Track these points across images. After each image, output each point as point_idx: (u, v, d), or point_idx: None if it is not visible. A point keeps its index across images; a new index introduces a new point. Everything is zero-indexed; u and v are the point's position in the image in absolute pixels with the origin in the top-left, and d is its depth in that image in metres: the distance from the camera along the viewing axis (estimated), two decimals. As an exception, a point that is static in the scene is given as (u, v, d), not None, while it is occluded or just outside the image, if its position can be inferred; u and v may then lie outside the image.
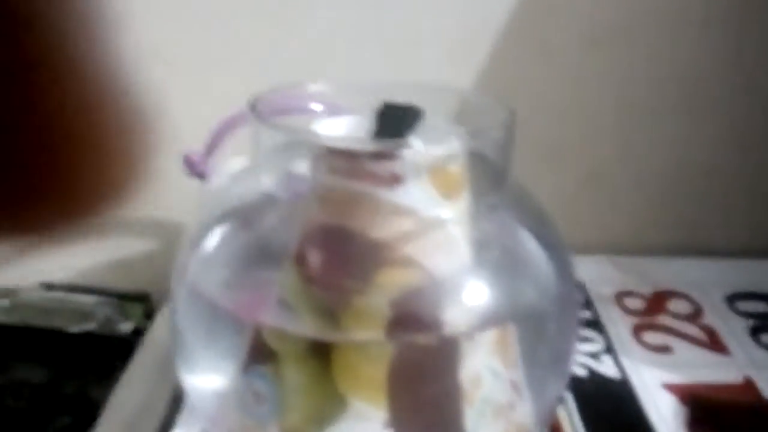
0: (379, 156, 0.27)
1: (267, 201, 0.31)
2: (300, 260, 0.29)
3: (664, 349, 0.46)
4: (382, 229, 0.28)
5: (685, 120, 0.53)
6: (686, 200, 0.56)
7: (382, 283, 0.27)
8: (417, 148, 0.27)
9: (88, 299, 0.53)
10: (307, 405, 0.29)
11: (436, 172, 0.28)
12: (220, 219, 0.32)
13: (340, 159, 0.28)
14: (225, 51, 0.51)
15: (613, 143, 0.54)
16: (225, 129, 0.37)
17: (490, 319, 0.29)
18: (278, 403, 0.29)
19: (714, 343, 0.46)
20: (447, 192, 0.29)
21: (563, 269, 0.30)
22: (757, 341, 0.47)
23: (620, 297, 0.51)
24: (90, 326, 0.50)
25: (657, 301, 0.51)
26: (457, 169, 0.29)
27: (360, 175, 0.28)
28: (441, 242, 0.29)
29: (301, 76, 0.34)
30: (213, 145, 0.37)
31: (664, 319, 0.48)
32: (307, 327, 0.28)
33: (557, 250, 0.30)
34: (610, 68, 0.52)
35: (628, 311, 0.49)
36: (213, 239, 0.31)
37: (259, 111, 0.29)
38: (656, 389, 0.42)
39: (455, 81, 0.51)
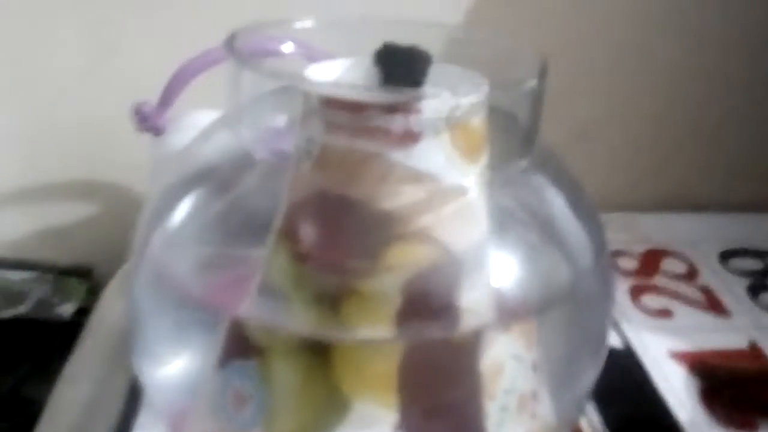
0: (393, 108, 0.22)
1: (247, 162, 0.25)
2: (290, 235, 0.24)
3: (664, 314, 0.44)
4: (393, 198, 0.23)
5: (676, 73, 0.52)
6: (677, 155, 0.55)
7: (392, 263, 0.23)
8: (443, 98, 0.22)
9: (17, 276, 0.47)
10: (302, 408, 0.25)
11: (457, 128, 0.24)
12: (189, 184, 0.26)
13: (343, 112, 0.23)
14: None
15: (604, 96, 0.52)
16: (184, 75, 0.31)
17: (522, 307, 0.24)
18: (265, 406, 0.25)
19: (713, 305, 0.45)
20: (468, 153, 0.24)
21: (599, 243, 0.26)
22: (756, 301, 0.45)
23: (613, 257, 0.49)
24: (21, 309, 0.44)
25: (650, 261, 0.49)
26: (480, 124, 0.24)
27: (367, 132, 0.23)
28: (462, 214, 0.25)
29: (259, 14, 0.28)
30: (169, 95, 0.32)
31: (660, 280, 0.47)
32: (299, 321, 0.24)
33: (591, 220, 0.26)
34: (602, 15, 0.49)
35: (622, 272, 0.48)
36: (181, 209, 0.26)
37: (239, 50, 0.23)
38: (663, 359, 0.40)
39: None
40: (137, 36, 0.46)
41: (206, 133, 0.27)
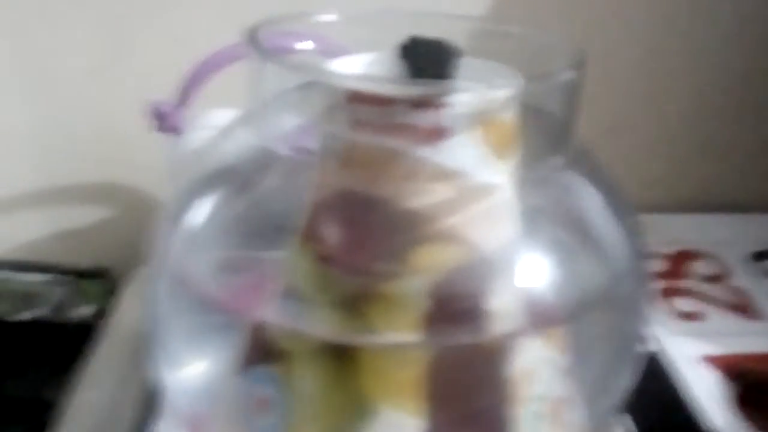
0: (422, 103, 0.21)
1: (268, 161, 0.25)
2: (313, 236, 0.24)
3: (695, 317, 0.43)
4: (421, 197, 0.22)
5: (707, 69, 0.51)
6: (705, 154, 0.54)
7: (420, 264, 0.22)
8: (475, 92, 0.21)
9: (35, 278, 0.46)
10: (326, 414, 0.24)
11: (489, 123, 0.23)
12: (209, 184, 0.26)
13: (369, 107, 0.22)
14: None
15: (634, 93, 0.51)
16: (202, 73, 0.30)
17: (554, 310, 0.23)
18: (288, 412, 0.24)
19: (746, 307, 0.44)
20: (500, 149, 0.23)
21: (636, 245, 0.25)
22: (790, 304, 0.44)
23: (642, 259, 0.47)
24: (40, 312, 0.43)
25: (680, 263, 0.47)
26: (512, 120, 0.23)
27: (394, 128, 0.22)
28: (493, 213, 0.24)
29: (275, 8, 0.27)
30: (187, 94, 0.31)
31: (690, 283, 0.45)
32: (323, 324, 0.23)
33: (628, 222, 0.25)
34: (627, 14, 0.48)
35: (652, 275, 0.46)
36: (200, 210, 0.25)
37: (261, 44, 0.23)
38: (696, 363, 0.39)
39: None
40: (151, 34, 0.46)
41: (226, 132, 0.26)
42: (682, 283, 0.45)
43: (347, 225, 0.23)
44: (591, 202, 0.25)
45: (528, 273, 0.23)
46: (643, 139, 0.53)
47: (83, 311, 0.43)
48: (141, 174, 0.47)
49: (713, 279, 0.46)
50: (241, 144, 0.26)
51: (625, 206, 0.25)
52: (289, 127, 0.26)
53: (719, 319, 0.42)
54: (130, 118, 0.38)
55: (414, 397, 0.23)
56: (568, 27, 0.48)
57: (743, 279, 0.46)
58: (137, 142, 0.42)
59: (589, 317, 0.24)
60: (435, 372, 0.23)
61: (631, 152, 0.53)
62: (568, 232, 0.24)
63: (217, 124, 0.30)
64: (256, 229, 0.25)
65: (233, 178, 0.26)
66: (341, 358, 0.23)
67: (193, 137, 0.33)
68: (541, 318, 0.24)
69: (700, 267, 0.47)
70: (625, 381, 0.25)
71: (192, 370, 0.27)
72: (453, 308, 0.23)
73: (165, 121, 0.32)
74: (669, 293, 0.44)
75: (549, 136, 0.25)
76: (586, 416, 0.26)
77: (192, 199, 0.25)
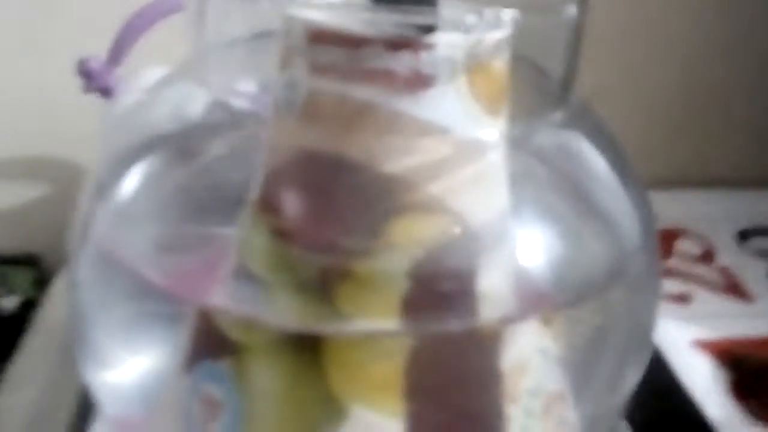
0: (399, 44, 0.18)
1: (214, 121, 0.22)
2: (269, 207, 0.21)
3: (683, 299, 0.41)
4: (398, 158, 0.20)
5: (694, 40, 0.50)
6: (690, 127, 0.52)
7: (398, 239, 0.20)
8: (463, 31, 0.18)
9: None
10: (287, 417, 0.22)
11: (478, 71, 0.20)
12: (143, 151, 0.23)
13: (335, 48, 0.19)
14: None
15: (614, 63, 0.49)
16: (138, 23, 0.26)
17: (552, 292, 0.21)
18: (242, 415, 0.22)
19: (734, 288, 0.42)
20: (489, 102, 0.21)
21: (646, 216, 0.22)
22: (780, 284, 0.43)
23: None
24: (-42, 304, 0.42)
25: (664, 241, 0.45)
26: (503, 67, 0.20)
27: (366, 75, 0.19)
28: (483, 178, 0.21)
29: None
30: (121, 49, 0.27)
31: (675, 263, 0.44)
32: (282, 311, 0.21)
33: (637, 190, 0.22)
34: None
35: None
36: (132, 181, 0.22)
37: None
38: (686, 348, 0.37)
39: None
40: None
41: (163, 88, 0.23)
42: (667, 264, 0.43)
43: (310, 193, 0.20)
44: (594, 166, 0.22)
45: (523, 249, 0.21)
46: (624, 109, 0.51)
47: (8, 303, 0.41)
48: (74, 146, 0.43)
49: (699, 259, 0.44)
50: (181, 103, 0.23)
51: (633, 173, 0.22)
52: (239, 81, 0.22)
53: (708, 301, 0.40)
54: (62, 80, 0.35)
55: (391, 395, 0.21)
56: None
57: (730, 259, 0.44)
58: (71, 109, 0.39)
59: (594, 301, 0.21)
60: (415, 365, 0.21)
61: (611, 123, 0.51)
62: (568, 201, 0.22)
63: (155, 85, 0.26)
64: (201, 200, 0.23)
65: (174, 141, 0.23)
66: (305, 351, 0.21)
67: (129, 99, 0.29)
68: (538, 302, 0.22)
69: (684, 246, 0.45)
70: (633, 376, 0.22)
71: (126, 368, 0.24)
72: (436, 290, 0.20)
73: (94, 80, 0.29)
74: (654, 274, 0.42)
75: (544, 88, 0.22)
76: (587, 413, 0.23)
77: (125, 166, 0.23)
